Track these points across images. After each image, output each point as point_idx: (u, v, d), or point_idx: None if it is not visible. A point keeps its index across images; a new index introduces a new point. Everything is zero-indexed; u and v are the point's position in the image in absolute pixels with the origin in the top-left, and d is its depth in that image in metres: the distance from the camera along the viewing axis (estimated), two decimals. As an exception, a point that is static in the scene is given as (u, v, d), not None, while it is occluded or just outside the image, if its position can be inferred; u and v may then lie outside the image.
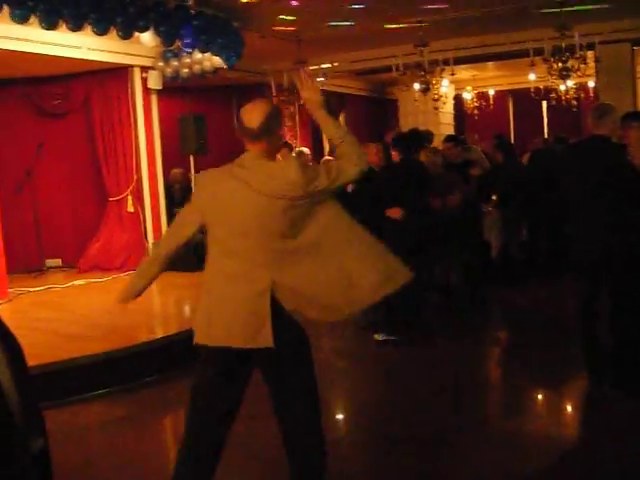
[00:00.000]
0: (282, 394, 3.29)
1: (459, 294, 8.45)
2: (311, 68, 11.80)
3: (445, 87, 13.25)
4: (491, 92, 18.53)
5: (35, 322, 7.61)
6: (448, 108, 15.98)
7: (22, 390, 1.72)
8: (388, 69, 11.15)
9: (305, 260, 3.12)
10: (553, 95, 12.64)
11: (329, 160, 11.95)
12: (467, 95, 18.36)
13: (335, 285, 3.14)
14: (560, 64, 9.89)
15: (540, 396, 5.98)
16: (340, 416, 5.73)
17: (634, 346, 5.32)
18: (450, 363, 6.59)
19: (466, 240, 8.20)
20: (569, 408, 5.74)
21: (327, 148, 15.86)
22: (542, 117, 18.25)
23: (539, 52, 10.13)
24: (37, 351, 6.32)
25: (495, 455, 4.54)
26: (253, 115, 3.17)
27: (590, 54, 10.92)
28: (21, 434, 1.68)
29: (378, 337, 7.19)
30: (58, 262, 11.22)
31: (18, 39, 8.41)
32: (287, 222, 3.08)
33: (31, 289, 9.46)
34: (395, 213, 7.08)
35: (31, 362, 5.69)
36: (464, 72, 15.76)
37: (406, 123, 14.40)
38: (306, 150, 13.87)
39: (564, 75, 10.03)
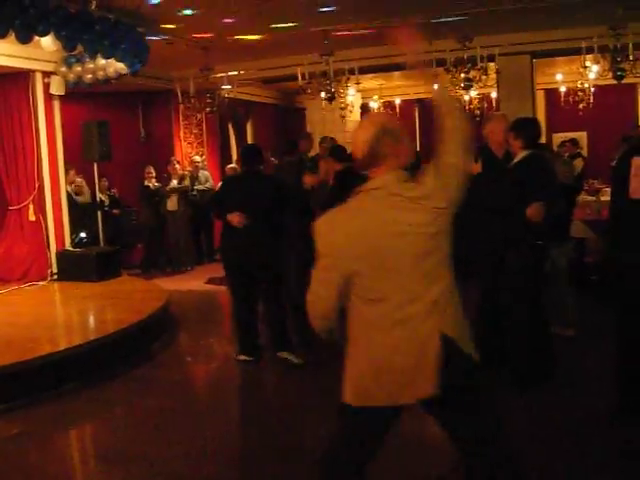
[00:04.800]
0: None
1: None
2: (217, 76, 11.72)
3: (352, 96, 13.37)
4: (397, 101, 18.80)
5: None
6: (355, 117, 16.12)
7: None
8: (294, 77, 11.18)
9: None
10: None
11: (233, 168, 11.92)
12: (374, 104, 18.58)
13: None
14: (462, 75, 10.11)
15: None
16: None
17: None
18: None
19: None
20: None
21: (234, 156, 15.81)
22: (447, 126, 18.56)
23: (442, 63, 10.33)
24: None
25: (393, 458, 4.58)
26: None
27: (491, 65, 11.21)
28: None
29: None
30: (-44, 273, 10.82)
31: None
32: None
33: None
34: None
35: None
36: (371, 81, 15.96)
37: (314, 131, 14.43)
38: (197, 158, 13.85)
39: (466, 85, 10.25)
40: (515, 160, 5.77)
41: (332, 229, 2.88)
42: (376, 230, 2.81)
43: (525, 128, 5.75)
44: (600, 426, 4.94)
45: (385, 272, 2.83)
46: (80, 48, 8.45)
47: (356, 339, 2.94)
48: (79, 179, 11.90)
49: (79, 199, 11.76)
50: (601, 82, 12.80)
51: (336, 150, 8.19)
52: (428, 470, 4.49)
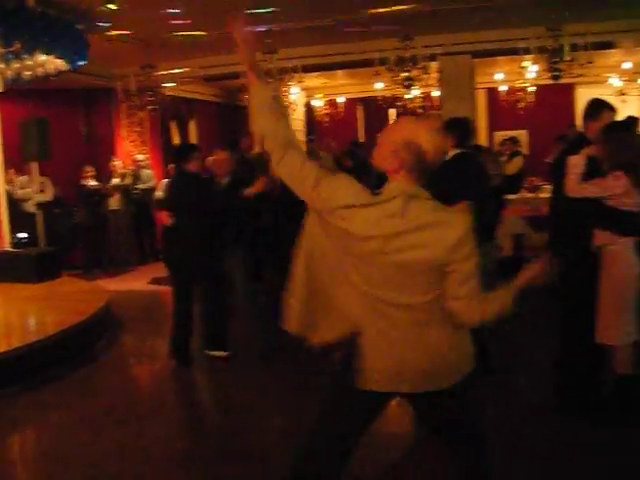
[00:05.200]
0: None
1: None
2: (159, 73, 11.62)
3: (295, 94, 13.39)
4: (341, 100, 18.88)
5: None
6: (299, 115, 16.14)
7: None
8: (237, 75, 11.14)
9: None
10: (399, 103, 13.05)
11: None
12: (317, 102, 18.63)
13: None
14: (403, 74, 10.21)
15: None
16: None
17: None
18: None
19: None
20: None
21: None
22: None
23: (384, 62, 10.41)
24: None
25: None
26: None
27: (433, 65, 11.33)
28: None
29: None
30: None
31: None
32: None
33: None
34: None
35: None
36: (315, 80, 15.98)
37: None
38: (140, 157, 13.71)
39: (407, 84, 10.36)
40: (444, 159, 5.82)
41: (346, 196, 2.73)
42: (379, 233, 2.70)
43: (455, 127, 5.77)
44: (541, 421, 5.04)
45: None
46: (18, 44, 8.29)
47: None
48: (42, 178, 11.71)
49: (42, 198, 11.55)
50: (540, 82, 13.06)
51: None
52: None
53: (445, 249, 2.67)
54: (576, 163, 4.83)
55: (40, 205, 11.33)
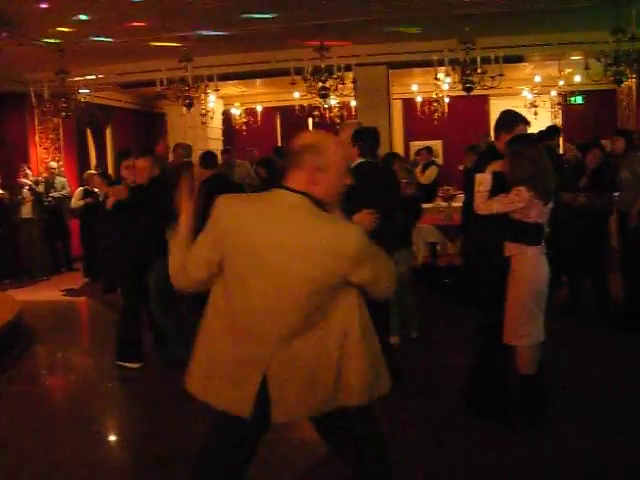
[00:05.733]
0: None
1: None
2: (74, 79, 11.41)
3: (213, 102, 13.36)
4: (259, 108, 18.91)
5: None
6: (216, 123, 16.09)
7: None
8: (153, 83, 11.04)
9: None
10: (317, 113, 13.15)
11: (91, 175, 11.52)
12: (235, 111, 18.62)
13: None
14: (320, 83, 10.29)
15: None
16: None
17: None
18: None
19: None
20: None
21: (93, 162, 15.44)
22: (308, 133, 18.87)
23: (300, 71, 10.47)
24: None
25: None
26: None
27: (349, 75, 11.46)
28: None
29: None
30: None
31: None
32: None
33: None
34: None
35: None
36: (232, 88, 15.96)
37: (174, 137, 14.35)
38: (54, 164, 13.42)
39: (323, 94, 10.44)
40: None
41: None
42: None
43: (361, 137, 5.79)
44: (453, 424, 5.16)
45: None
46: None
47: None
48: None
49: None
50: (455, 93, 13.35)
51: (204, 157, 8.15)
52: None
53: (343, 262, 2.68)
54: (481, 180, 4.95)
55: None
